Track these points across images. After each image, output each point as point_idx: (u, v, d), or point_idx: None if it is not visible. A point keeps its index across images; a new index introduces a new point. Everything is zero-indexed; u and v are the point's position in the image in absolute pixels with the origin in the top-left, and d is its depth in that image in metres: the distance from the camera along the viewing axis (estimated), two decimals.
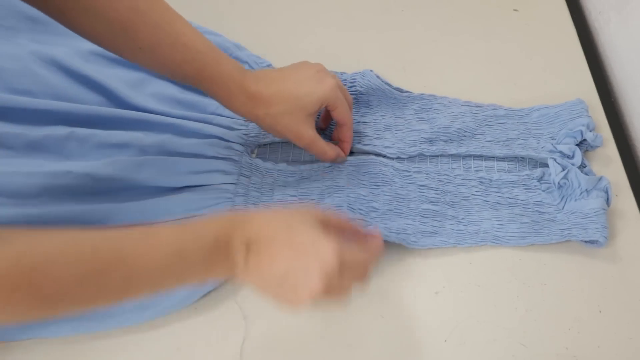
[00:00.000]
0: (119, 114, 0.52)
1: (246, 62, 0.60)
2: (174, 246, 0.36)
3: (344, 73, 0.59)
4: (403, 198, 0.52)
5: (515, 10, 0.68)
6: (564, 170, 0.51)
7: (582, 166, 0.53)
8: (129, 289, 0.34)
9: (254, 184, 0.52)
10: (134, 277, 0.34)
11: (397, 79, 0.60)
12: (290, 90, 0.47)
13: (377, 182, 0.53)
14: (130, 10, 0.40)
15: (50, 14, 0.39)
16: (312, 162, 0.54)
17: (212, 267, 0.37)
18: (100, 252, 0.33)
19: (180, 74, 0.45)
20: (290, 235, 0.38)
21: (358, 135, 0.56)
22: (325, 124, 0.56)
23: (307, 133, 0.49)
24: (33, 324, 0.44)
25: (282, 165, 0.54)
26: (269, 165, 0.54)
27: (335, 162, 0.53)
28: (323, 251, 0.37)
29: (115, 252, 0.33)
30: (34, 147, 0.50)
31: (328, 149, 0.51)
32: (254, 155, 0.55)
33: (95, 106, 0.52)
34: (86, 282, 0.32)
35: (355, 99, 0.58)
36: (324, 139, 0.52)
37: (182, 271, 0.36)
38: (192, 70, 0.44)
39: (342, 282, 0.38)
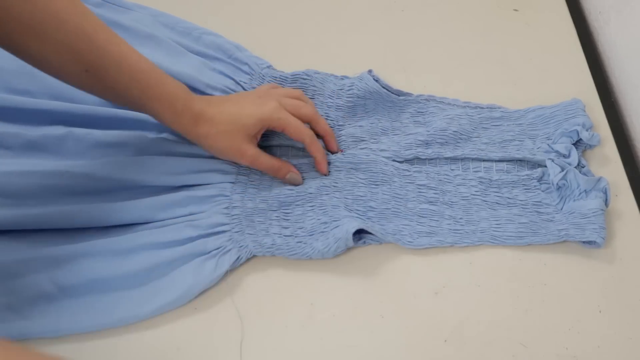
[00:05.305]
0: (117, 114, 0.52)
1: (246, 64, 0.60)
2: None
3: (345, 78, 0.59)
4: (401, 198, 0.52)
5: (515, 10, 0.68)
6: (562, 170, 0.51)
7: (580, 166, 0.53)
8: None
9: (252, 181, 0.52)
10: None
11: (397, 79, 0.60)
12: (231, 111, 0.49)
13: (376, 181, 0.53)
14: (77, 32, 0.41)
15: None
16: (310, 156, 0.54)
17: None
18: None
19: (125, 96, 0.45)
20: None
21: (355, 139, 0.56)
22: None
23: (250, 150, 0.49)
24: (32, 322, 0.44)
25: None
26: None
27: (288, 181, 0.52)
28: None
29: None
30: (32, 147, 0.50)
31: (276, 162, 0.51)
32: None
33: (93, 106, 0.52)
34: None
35: (353, 103, 0.58)
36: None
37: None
38: (138, 90, 0.45)
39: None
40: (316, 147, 0.52)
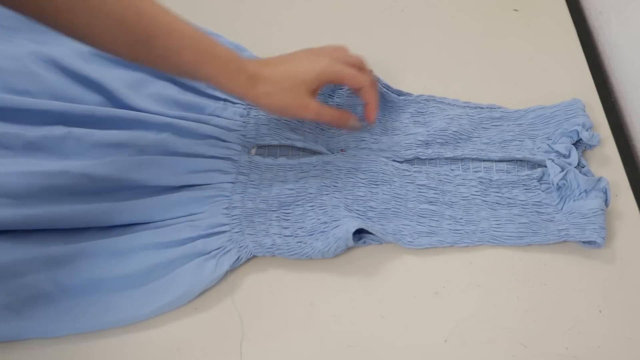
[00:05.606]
0: (117, 114, 0.52)
1: None
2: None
3: None
4: (401, 198, 0.52)
5: (515, 10, 0.68)
6: (562, 170, 0.51)
7: (580, 166, 0.53)
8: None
9: (252, 181, 0.52)
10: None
11: (397, 79, 0.60)
12: (287, 69, 0.48)
13: (376, 181, 0.53)
14: (123, 3, 0.40)
15: (44, 19, 0.39)
16: (311, 155, 0.54)
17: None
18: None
19: (177, 64, 0.45)
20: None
21: (355, 139, 0.56)
22: None
23: (313, 104, 0.49)
24: (32, 322, 0.44)
25: (282, 160, 0.54)
26: (268, 160, 0.54)
27: (350, 127, 0.53)
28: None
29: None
30: (32, 147, 0.50)
31: (337, 112, 0.51)
32: (253, 152, 0.55)
33: (93, 106, 0.52)
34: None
35: (353, 102, 0.58)
36: None
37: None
38: (190, 56, 0.44)
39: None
40: (371, 95, 0.52)
